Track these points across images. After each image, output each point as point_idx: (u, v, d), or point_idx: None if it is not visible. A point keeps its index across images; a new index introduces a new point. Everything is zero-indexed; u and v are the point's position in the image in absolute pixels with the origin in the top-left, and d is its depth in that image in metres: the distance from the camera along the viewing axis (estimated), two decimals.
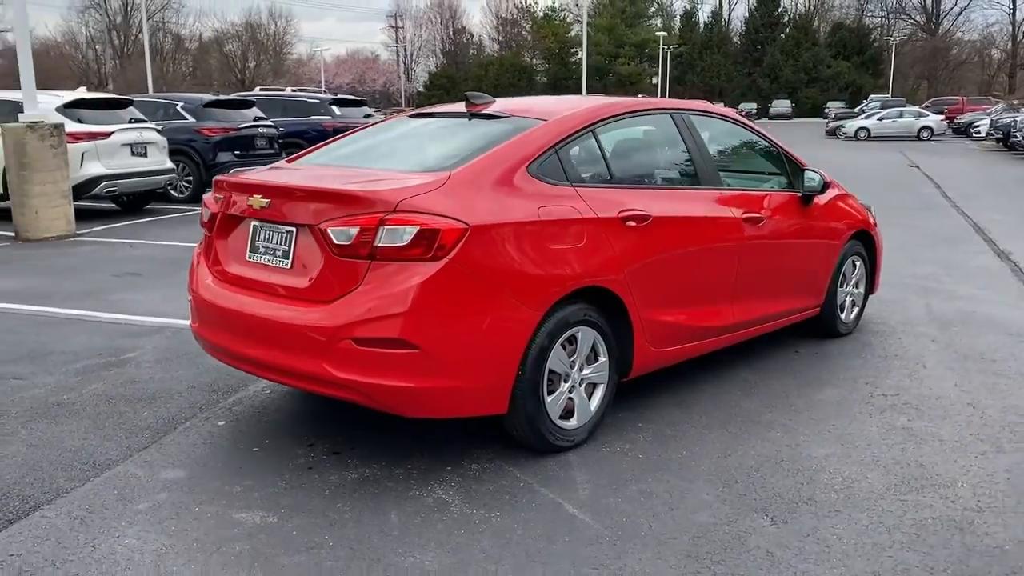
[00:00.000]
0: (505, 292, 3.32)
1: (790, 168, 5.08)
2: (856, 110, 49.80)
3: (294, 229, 3.43)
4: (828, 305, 5.39)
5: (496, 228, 3.33)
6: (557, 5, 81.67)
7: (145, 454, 3.65)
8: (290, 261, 3.44)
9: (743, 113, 54.45)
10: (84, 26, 79.54)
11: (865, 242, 5.70)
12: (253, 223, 3.62)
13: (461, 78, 75.71)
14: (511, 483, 3.39)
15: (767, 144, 5.11)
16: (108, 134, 11.11)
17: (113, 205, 12.59)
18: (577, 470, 3.52)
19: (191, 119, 13.51)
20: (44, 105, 10.82)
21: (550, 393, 3.57)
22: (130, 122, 11.63)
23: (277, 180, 3.66)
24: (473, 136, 3.86)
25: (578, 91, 57.97)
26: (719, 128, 4.97)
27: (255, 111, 14.45)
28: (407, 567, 2.77)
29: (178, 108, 13.72)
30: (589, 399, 3.79)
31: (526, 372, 3.43)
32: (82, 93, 11.95)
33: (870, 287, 5.87)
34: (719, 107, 5.55)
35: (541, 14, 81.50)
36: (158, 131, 12.01)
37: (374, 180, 3.46)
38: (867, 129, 38.74)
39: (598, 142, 3.98)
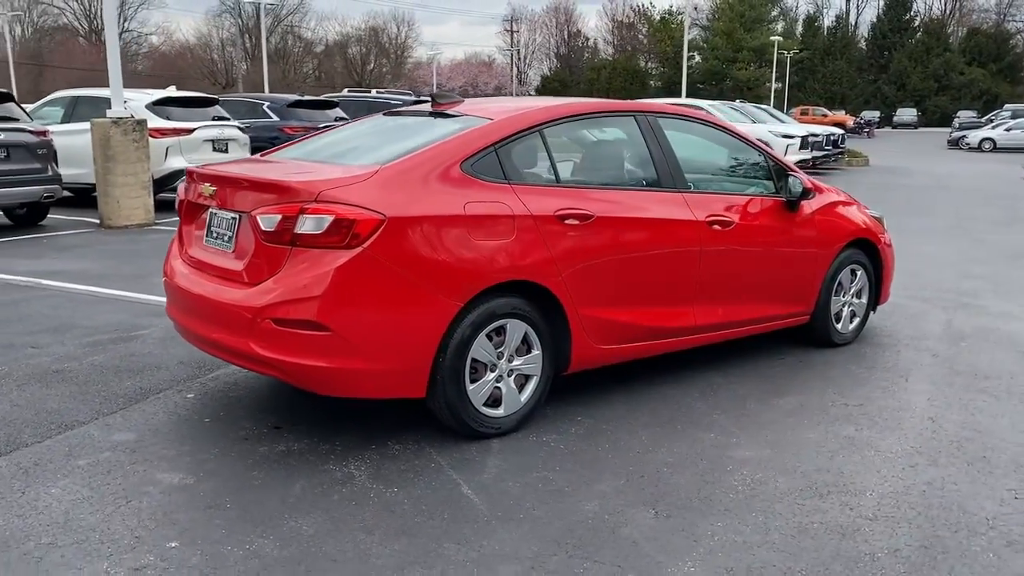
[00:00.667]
0: (422, 282, 3.49)
1: (776, 173, 5.04)
2: (984, 120, 47.20)
3: (237, 216, 3.71)
4: (820, 314, 5.30)
5: (415, 220, 3.50)
6: (674, 8, 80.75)
7: (110, 418, 4.00)
8: (232, 245, 3.72)
9: (862, 120, 52.49)
10: (218, 30, 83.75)
11: (869, 251, 5.57)
12: (211, 210, 3.91)
13: (573, 81, 75.89)
14: (424, 463, 3.56)
15: (752, 149, 5.08)
16: (191, 130, 11.84)
17: None
18: (494, 456, 3.65)
19: (276, 118, 14.24)
20: (135, 102, 11.69)
21: (474, 381, 3.72)
22: (213, 119, 12.35)
23: (228, 171, 3.95)
24: (423, 134, 4.04)
25: (689, 95, 57.04)
26: (700, 133, 4.98)
27: (337, 111, 15.07)
28: (285, 530, 2.98)
29: (265, 108, 14.48)
30: (520, 390, 3.91)
31: (446, 359, 3.59)
32: (171, 92, 12.79)
33: (876, 298, 5.72)
34: (701, 111, 5.55)
35: (658, 17, 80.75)
36: (240, 129, 12.69)
37: (309, 173, 3.70)
38: (992, 140, 36.71)
39: (545, 142, 4.09)
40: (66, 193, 11.40)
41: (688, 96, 41.00)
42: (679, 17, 79.12)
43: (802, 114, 51.74)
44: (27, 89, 51.00)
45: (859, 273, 5.52)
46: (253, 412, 4.11)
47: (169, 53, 78.74)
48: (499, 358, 3.80)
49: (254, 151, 13.03)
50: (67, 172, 11.03)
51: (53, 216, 11.00)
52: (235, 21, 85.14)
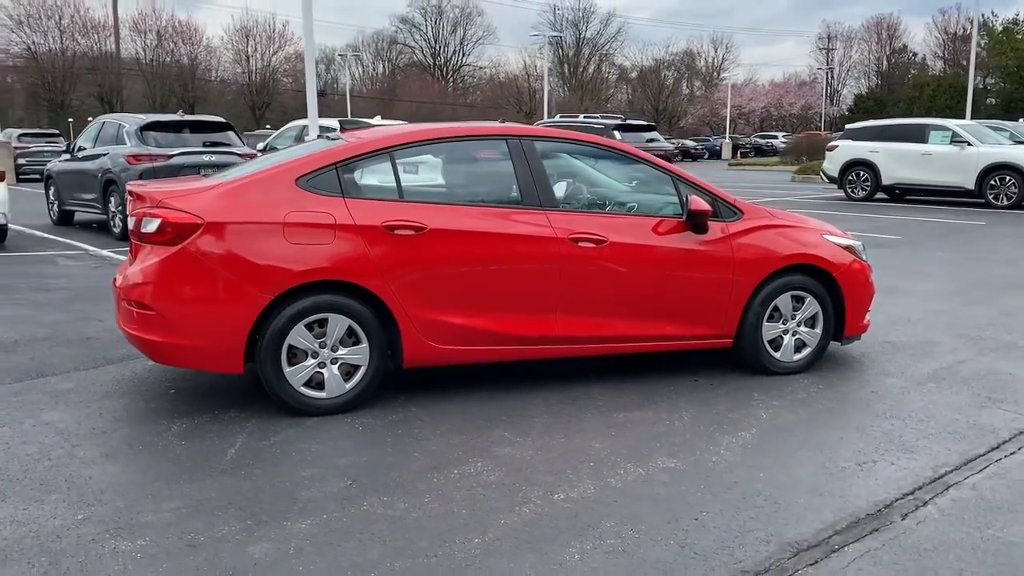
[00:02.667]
0: (234, 276, 4.23)
1: (682, 196, 5.06)
2: None
3: None
4: (747, 339, 5.18)
5: (231, 225, 4.25)
6: (1021, 17, 71.89)
7: (76, 373, 5.19)
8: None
9: None
10: (539, 60, 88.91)
11: (825, 279, 5.31)
12: None
13: (892, 100, 70.52)
14: (236, 429, 4.26)
15: (660, 173, 5.15)
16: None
17: None
18: (296, 429, 4.25)
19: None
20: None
21: (292, 364, 4.37)
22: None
23: (134, 186, 4.88)
24: (296, 154, 4.77)
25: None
26: (598, 156, 5.20)
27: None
28: (71, 459, 3.86)
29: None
30: (348, 377, 4.48)
31: (263, 343, 4.29)
32: (376, 121, 14.53)
33: (839, 329, 5.41)
34: (597, 136, 5.63)
35: (999, 28, 72.40)
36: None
37: (177, 186, 4.60)
38: None
39: (393, 163, 4.63)
40: None
41: None
42: None
43: None
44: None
45: (807, 300, 5.29)
46: (176, 380, 5.07)
47: (496, 84, 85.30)
48: (322, 347, 4.41)
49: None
50: None
51: None
52: (555, 52, 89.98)
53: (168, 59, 50.22)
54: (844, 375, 5.34)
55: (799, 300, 5.29)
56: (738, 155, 48.85)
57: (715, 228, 5.06)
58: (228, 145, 12.24)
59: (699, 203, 4.93)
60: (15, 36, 45.09)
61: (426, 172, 4.94)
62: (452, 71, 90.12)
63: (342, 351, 4.46)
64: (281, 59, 54.53)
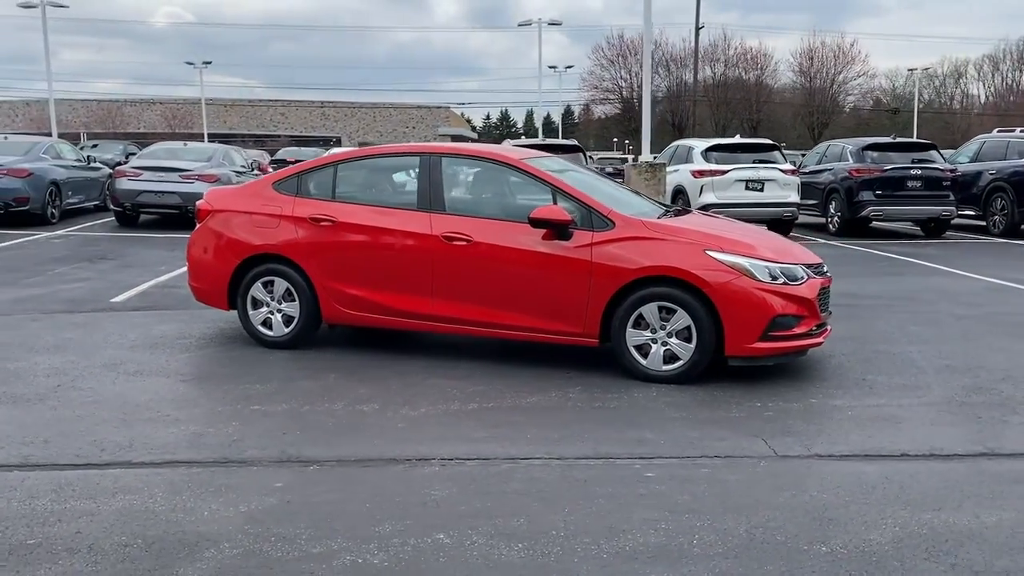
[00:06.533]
0: (221, 244, 6.39)
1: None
2: None
3: None
4: (615, 343, 5.50)
5: (225, 211, 6.41)
6: None
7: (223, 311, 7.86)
8: None
9: None
10: None
11: (700, 296, 5.31)
12: None
13: None
14: (215, 343, 6.43)
15: (542, 184, 5.76)
16: (724, 172, 14.02)
17: None
18: (240, 352, 6.24)
19: (849, 160, 14.89)
20: (695, 149, 14.57)
21: (254, 309, 6.36)
22: (754, 163, 14.20)
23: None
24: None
25: None
26: (494, 171, 6.15)
27: (924, 154, 14.64)
28: (131, 347, 6.47)
29: (847, 150, 15.21)
30: (287, 323, 6.30)
31: (239, 292, 6.39)
32: (734, 140, 15.01)
33: (718, 345, 5.31)
34: (503, 154, 6.10)
35: None
36: (784, 171, 14.16)
37: (227, 186, 6.90)
38: None
39: (335, 173, 6.26)
40: None
41: None
42: None
43: None
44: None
45: (678, 313, 5.36)
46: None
47: None
48: (272, 300, 6.31)
49: (828, 192, 14.56)
50: None
51: None
52: None
53: (733, 84, 53.31)
54: (712, 393, 5.26)
55: (670, 312, 5.38)
56: None
57: (582, 236, 5.54)
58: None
59: (542, 212, 5.51)
60: (606, 73, 53.12)
61: (362, 181, 6.43)
62: None
63: (284, 304, 6.29)
64: (845, 78, 53.41)
